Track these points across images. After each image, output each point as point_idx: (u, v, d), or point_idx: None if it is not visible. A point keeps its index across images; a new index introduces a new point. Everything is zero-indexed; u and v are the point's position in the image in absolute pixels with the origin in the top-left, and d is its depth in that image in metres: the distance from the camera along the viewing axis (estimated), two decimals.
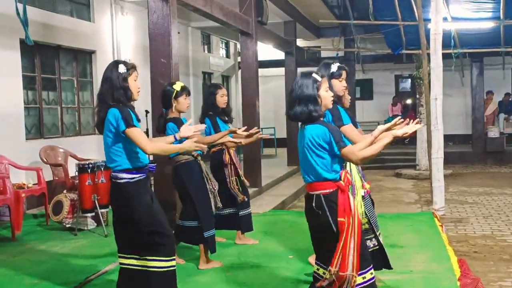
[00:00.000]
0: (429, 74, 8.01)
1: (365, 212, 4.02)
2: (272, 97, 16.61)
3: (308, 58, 15.19)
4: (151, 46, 6.17)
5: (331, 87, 3.30)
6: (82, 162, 6.21)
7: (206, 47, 15.65)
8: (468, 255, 5.66)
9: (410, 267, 4.76)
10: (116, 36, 9.87)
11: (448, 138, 13.65)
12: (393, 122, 3.31)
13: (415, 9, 10.78)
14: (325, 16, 13.48)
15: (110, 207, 5.30)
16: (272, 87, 16.46)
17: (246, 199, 5.57)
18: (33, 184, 6.68)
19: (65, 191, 6.59)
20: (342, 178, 3.14)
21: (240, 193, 5.46)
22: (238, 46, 13.84)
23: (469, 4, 11.32)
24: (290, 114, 3.20)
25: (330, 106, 3.26)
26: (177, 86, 4.69)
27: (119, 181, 3.54)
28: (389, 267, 4.10)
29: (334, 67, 3.98)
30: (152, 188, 4.37)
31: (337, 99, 3.85)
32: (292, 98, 3.18)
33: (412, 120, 3.40)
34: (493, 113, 15.73)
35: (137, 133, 3.45)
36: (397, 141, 14.43)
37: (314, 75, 3.18)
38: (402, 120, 3.46)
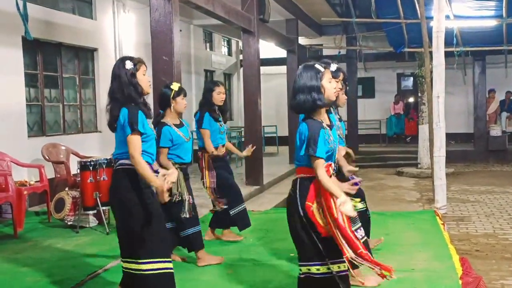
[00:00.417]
0: (431, 72, 7.99)
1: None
2: (274, 95, 16.59)
3: (310, 56, 15.15)
4: (153, 44, 6.17)
5: None
6: (84, 160, 6.20)
7: (208, 45, 15.66)
8: (470, 254, 5.65)
9: (412, 266, 4.75)
10: (118, 34, 9.87)
11: (450, 137, 13.62)
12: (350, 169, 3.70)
13: (417, 7, 10.77)
14: (327, 14, 13.46)
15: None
16: (274, 85, 16.44)
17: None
18: (35, 182, 6.69)
19: (67, 189, 6.60)
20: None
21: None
22: (240, 44, 13.82)
23: (471, 2, 11.31)
24: (293, 104, 3.19)
25: (333, 98, 3.25)
26: (175, 87, 4.70)
27: (124, 166, 3.50)
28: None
29: (333, 67, 4.01)
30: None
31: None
32: (295, 88, 3.18)
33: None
34: (495, 111, 15.69)
35: (134, 141, 3.43)
36: (399, 140, 14.42)
37: (317, 65, 3.18)
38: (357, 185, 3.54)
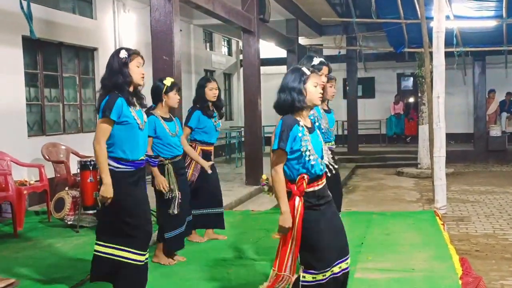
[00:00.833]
0: (431, 72, 7.99)
1: None
2: (274, 95, 16.05)
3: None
4: (153, 44, 6.18)
5: None
6: (84, 159, 6.20)
7: (208, 44, 15.64)
8: (470, 254, 5.65)
9: (412, 266, 4.75)
10: (118, 33, 9.87)
11: (450, 137, 13.63)
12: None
13: (417, 7, 10.77)
14: (327, 14, 13.47)
15: None
16: (274, 85, 16.03)
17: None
18: (35, 181, 6.69)
19: (67, 188, 6.59)
20: (297, 181, 3.12)
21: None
22: (240, 44, 13.83)
23: (471, 2, 11.31)
24: (275, 103, 3.23)
25: (318, 102, 3.23)
26: (167, 82, 4.74)
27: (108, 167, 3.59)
28: None
29: (316, 61, 4.03)
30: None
31: None
32: (278, 89, 3.21)
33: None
34: (495, 112, 15.70)
35: (100, 127, 3.55)
36: (399, 140, 14.40)
37: (303, 68, 3.20)
38: None
